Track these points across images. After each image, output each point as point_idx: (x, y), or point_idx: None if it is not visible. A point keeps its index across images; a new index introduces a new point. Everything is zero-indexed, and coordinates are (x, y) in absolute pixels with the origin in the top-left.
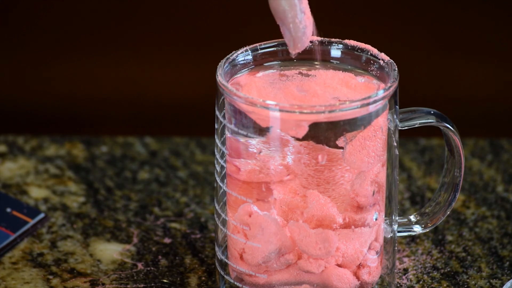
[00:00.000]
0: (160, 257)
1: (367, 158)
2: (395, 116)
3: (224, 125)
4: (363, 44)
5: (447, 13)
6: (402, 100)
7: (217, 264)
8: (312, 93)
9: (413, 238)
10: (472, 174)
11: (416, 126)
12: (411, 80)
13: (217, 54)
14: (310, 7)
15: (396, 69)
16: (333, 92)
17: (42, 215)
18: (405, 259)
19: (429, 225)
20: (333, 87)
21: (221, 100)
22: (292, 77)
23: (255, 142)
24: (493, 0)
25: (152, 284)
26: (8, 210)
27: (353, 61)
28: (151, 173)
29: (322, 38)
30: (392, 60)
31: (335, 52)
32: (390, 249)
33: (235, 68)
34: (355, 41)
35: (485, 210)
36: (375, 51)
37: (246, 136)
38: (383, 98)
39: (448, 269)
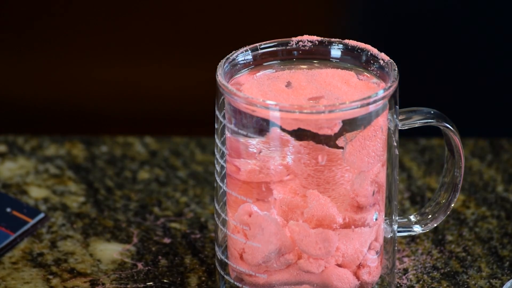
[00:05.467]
0: (160, 257)
1: (367, 158)
2: (395, 116)
3: (224, 125)
4: (363, 44)
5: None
6: (402, 100)
7: (217, 264)
8: (297, 86)
9: (413, 238)
10: (472, 174)
11: (416, 126)
12: (411, 80)
13: (217, 54)
14: (311, 7)
15: (396, 69)
16: (332, 89)
17: (42, 215)
18: (405, 259)
19: (429, 225)
20: (333, 85)
21: (221, 100)
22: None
23: (255, 142)
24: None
25: (152, 284)
26: (8, 210)
27: (353, 61)
28: (151, 173)
29: (322, 38)
30: (392, 60)
31: (335, 52)
32: (390, 249)
33: (235, 68)
34: (355, 41)
35: (485, 210)
36: (375, 51)
37: (246, 136)
38: (383, 98)
39: (448, 269)
